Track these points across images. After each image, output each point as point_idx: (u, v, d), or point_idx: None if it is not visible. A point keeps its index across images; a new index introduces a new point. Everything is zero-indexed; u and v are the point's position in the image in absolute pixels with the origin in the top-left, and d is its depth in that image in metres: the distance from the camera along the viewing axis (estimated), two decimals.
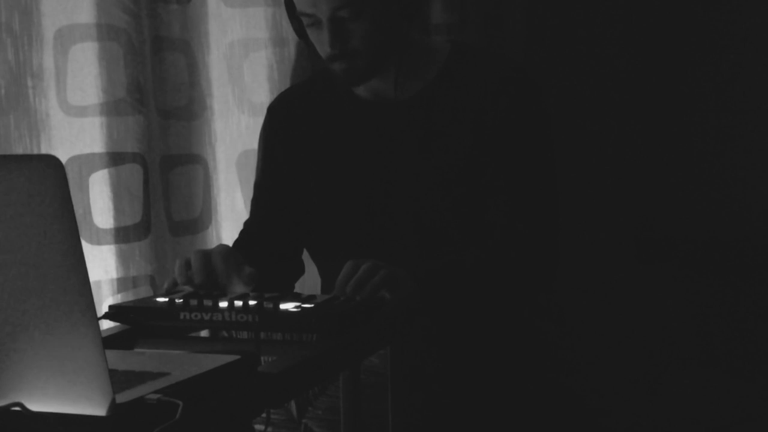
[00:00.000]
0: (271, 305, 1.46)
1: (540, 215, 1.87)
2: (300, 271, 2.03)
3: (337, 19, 1.81)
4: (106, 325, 1.53)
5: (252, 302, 1.47)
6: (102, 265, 2.05)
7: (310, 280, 2.08)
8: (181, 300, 1.51)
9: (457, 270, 1.79)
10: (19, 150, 1.96)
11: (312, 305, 1.48)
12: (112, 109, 2.05)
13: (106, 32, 2.03)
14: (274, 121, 2.03)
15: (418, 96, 1.92)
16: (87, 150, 2.04)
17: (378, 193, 1.92)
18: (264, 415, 1.35)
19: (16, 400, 1.07)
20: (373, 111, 1.94)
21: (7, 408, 1.07)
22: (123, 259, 2.07)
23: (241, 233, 2.03)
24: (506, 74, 1.90)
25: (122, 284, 2.07)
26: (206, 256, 1.70)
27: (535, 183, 1.88)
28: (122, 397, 1.07)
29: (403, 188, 1.90)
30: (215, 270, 1.69)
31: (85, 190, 2.04)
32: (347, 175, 1.94)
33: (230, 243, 2.17)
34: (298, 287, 2.04)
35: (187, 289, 1.68)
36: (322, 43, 1.85)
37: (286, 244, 2.00)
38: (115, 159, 2.06)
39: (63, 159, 1.99)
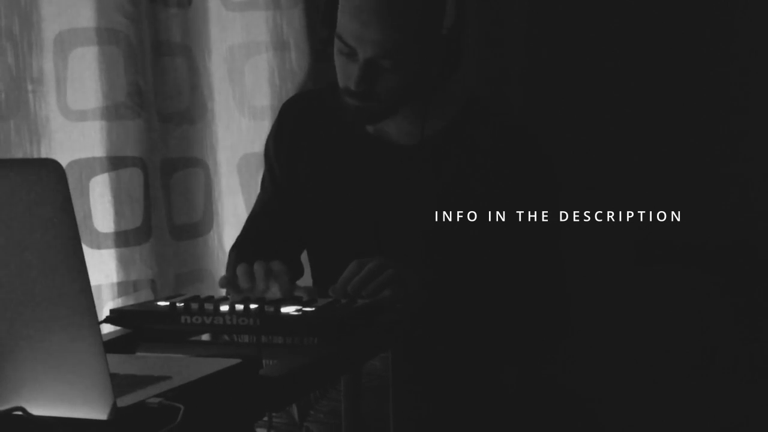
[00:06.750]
0: (272, 309, 1.46)
1: (549, 259, 1.85)
2: (299, 272, 2.01)
3: (374, 62, 1.77)
4: (107, 329, 1.53)
5: (253, 306, 1.47)
6: (102, 270, 2.05)
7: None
8: (182, 304, 1.51)
9: (469, 278, 1.79)
10: (19, 154, 1.96)
11: (313, 309, 1.48)
12: (112, 113, 2.05)
13: (106, 36, 2.03)
14: (285, 123, 2.00)
15: (426, 141, 1.87)
16: (87, 154, 2.04)
17: (373, 233, 1.88)
18: (265, 418, 1.35)
19: (18, 404, 1.07)
20: (380, 149, 1.90)
21: (8, 412, 1.07)
22: (123, 263, 2.07)
23: (244, 229, 2.02)
24: (514, 128, 1.88)
25: (123, 288, 2.07)
26: (269, 270, 1.69)
27: (543, 235, 1.84)
28: (123, 401, 1.07)
29: (402, 233, 1.87)
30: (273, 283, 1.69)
31: (85, 194, 2.04)
32: (346, 207, 1.91)
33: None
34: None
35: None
36: (348, 76, 1.80)
37: (287, 244, 1.99)
38: (115, 163, 2.06)
39: (63, 163, 1.98)
